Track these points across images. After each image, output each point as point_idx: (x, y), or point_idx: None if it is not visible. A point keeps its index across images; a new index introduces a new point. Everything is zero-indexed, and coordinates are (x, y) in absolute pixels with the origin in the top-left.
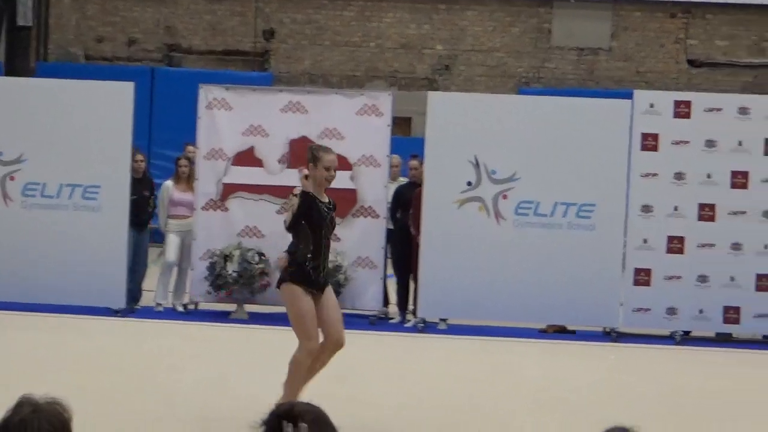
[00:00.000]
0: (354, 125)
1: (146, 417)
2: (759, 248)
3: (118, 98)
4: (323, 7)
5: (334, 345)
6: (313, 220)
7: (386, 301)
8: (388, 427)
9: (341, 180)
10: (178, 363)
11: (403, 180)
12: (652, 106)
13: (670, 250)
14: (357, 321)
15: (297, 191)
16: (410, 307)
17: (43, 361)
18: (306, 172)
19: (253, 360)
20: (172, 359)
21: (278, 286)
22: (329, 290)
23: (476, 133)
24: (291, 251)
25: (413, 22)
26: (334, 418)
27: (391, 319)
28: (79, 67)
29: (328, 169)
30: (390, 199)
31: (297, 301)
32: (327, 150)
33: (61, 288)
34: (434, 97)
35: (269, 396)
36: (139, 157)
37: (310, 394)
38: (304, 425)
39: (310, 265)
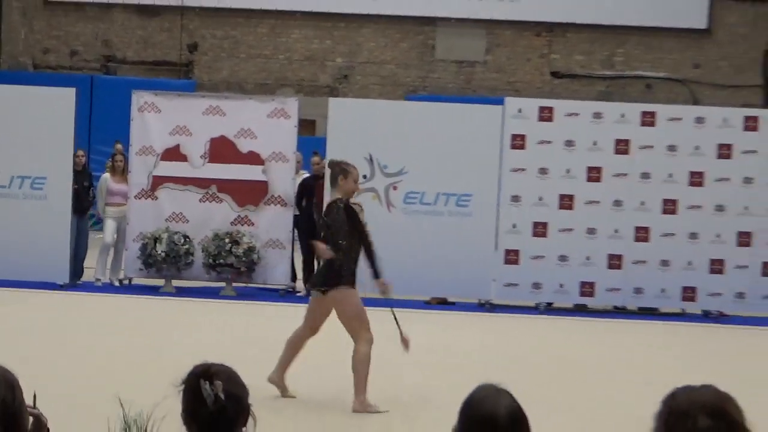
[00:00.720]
0: (265, 126)
1: (86, 377)
2: (610, 232)
3: (61, 102)
4: (239, 25)
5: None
6: (359, 231)
7: (294, 277)
8: (293, 382)
9: (254, 173)
10: (114, 330)
11: (304, 173)
12: (520, 111)
13: (535, 234)
14: (269, 294)
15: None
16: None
17: None
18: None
19: (179, 327)
20: (109, 327)
21: (327, 290)
22: None
23: (370, 133)
24: (337, 256)
25: (316, 37)
26: (245, 377)
27: (298, 292)
28: (27, 75)
29: (356, 181)
30: (296, 189)
31: (356, 301)
32: (352, 165)
33: (12, 266)
34: (334, 103)
35: (193, 358)
36: (80, 152)
37: (225, 355)
38: (218, 383)
39: (354, 267)
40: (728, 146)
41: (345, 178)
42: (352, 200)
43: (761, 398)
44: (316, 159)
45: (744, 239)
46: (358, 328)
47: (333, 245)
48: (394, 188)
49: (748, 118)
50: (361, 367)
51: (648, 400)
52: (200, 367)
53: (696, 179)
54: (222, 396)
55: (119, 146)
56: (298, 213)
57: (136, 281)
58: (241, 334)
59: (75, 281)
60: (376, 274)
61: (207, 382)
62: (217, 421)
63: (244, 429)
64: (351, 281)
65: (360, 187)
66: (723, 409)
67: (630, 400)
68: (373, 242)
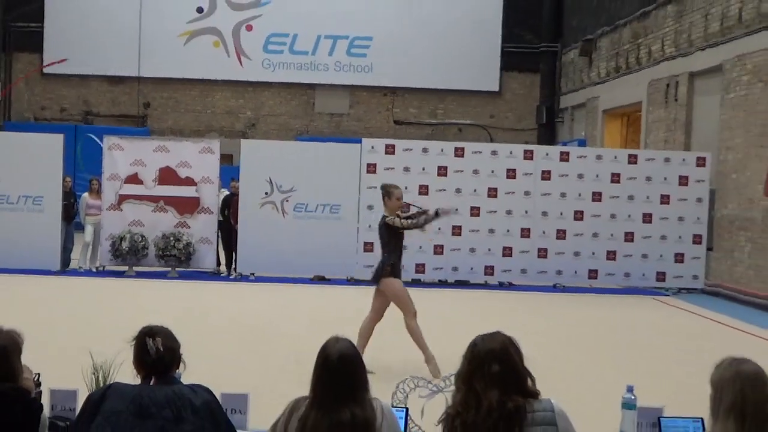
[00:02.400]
0: (198, 159)
1: (69, 335)
2: (436, 230)
3: (54, 144)
4: (179, 89)
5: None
6: (399, 236)
7: (218, 263)
8: (222, 337)
9: (190, 191)
10: (91, 302)
11: (224, 191)
12: (372, 147)
13: None
14: (202, 275)
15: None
16: (233, 266)
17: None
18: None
19: (138, 299)
20: (88, 300)
21: (379, 280)
22: None
23: (270, 163)
24: (387, 256)
25: (233, 98)
26: (182, 336)
27: (222, 273)
28: (30, 125)
29: (399, 199)
30: (220, 203)
31: (401, 288)
32: (396, 186)
33: (18, 258)
34: (245, 143)
35: (146, 321)
36: (67, 178)
37: (170, 317)
38: (158, 339)
39: (399, 263)
40: (513, 170)
41: (389, 198)
42: (400, 213)
43: (531, 339)
44: (234, 183)
45: (525, 233)
46: (403, 306)
47: (382, 248)
48: (287, 201)
49: (526, 151)
50: (415, 333)
51: (454, 344)
52: (146, 327)
53: (492, 193)
54: (161, 348)
55: (95, 181)
56: (221, 219)
57: (108, 268)
58: (182, 303)
59: (64, 268)
60: (436, 213)
61: (150, 338)
62: (158, 366)
63: (177, 371)
64: (393, 273)
65: (403, 203)
66: (507, 353)
67: (442, 345)
68: (415, 224)
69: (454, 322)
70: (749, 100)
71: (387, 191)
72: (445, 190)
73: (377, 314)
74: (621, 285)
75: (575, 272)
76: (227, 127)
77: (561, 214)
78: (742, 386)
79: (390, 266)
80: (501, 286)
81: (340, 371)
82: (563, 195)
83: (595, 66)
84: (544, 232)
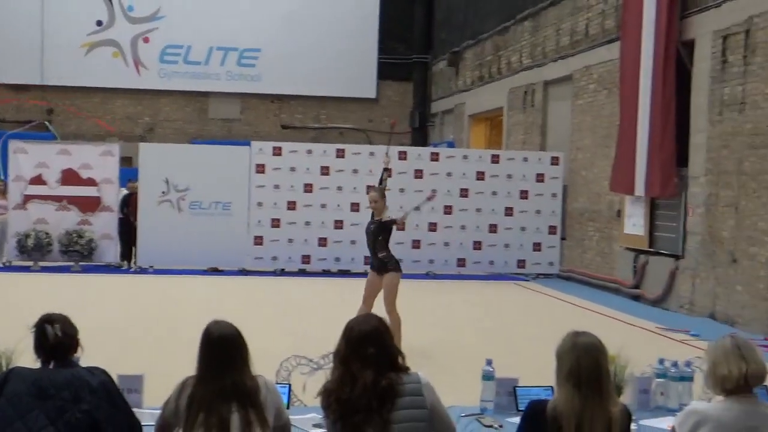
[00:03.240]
0: (98, 162)
1: None
2: (319, 224)
3: None
4: (81, 97)
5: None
6: (390, 232)
7: (121, 257)
8: (120, 324)
9: (92, 191)
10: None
11: (123, 191)
12: (261, 149)
13: (273, 226)
14: (104, 268)
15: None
16: (133, 260)
17: None
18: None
19: (42, 291)
20: None
21: (387, 271)
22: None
23: (167, 165)
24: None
25: (131, 105)
26: (82, 324)
27: (123, 266)
28: None
29: (370, 201)
30: (120, 201)
31: (396, 282)
32: (370, 188)
33: None
34: (143, 146)
35: (49, 309)
36: None
37: (73, 305)
38: (57, 325)
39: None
40: (389, 171)
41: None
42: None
43: (406, 321)
44: (131, 183)
45: (401, 227)
46: (391, 298)
47: (377, 246)
48: (183, 199)
49: (401, 152)
50: (396, 325)
51: (325, 320)
52: (45, 315)
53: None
54: (59, 334)
55: (1, 180)
56: (121, 217)
57: (15, 263)
58: (84, 294)
59: None
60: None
61: (49, 325)
62: (57, 350)
63: (75, 355)
64: (398, 268)
65: (374, 206)
66: (380, 335)
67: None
68: (405, 217)
69: (331, 306)
70: (595, 105)
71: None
72: (327, 188)
73: (369, 305)
74: (486, 272)
75: (445, 261)
76: (127, 132)
77: (432, 209)
78: (577, 355)
79: (397, 262)
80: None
81: (220, 348)
82: (434, 191)
83: (462, 75)
84: (417, 226)
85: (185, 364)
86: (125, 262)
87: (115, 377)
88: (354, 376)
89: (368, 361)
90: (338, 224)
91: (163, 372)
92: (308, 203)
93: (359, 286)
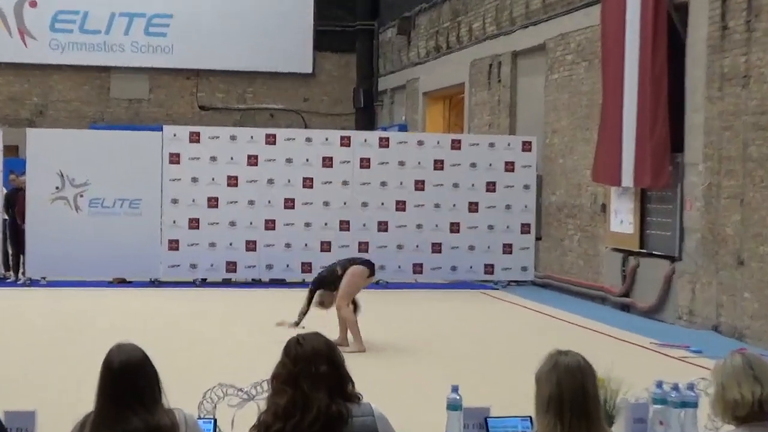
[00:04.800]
0: None
1: None
2: (246, 224)
3: None
4: None
5: None
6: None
7: (6, 268)
8: (6, 349)
9: None
10: None
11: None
12: (175, 135)
13: (190, 227)
14: None
15: None
16: (21, 270)
17: None
18: None
19: None
20: None
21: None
22: None
23: (61, 155)
24: None
25: (17, 82)
26: None
27: (8, 278)
28: None
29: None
30: (3, 200)
31: (360, 281)
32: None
33: None
34: (32, 132)
35: None
36: None
37: None
38: None
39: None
40: (330, 158)
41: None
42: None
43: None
44: (12, 176)
45: (344, 226)
46: (347, 292)
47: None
48: (81, 196)
49: (343, 137)
50: (350, 320)
51: (256, 343)
52: None
53: (307, 183)
54: None
55: None
56: (5, 218)
57: None
58: None
59: None
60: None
61: None
62: None
63: None
64: (368, 265)
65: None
66: (333, 353)
67: (248, 351)
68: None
69: (262, 325)
70: (573, 80)
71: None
72: (256, 180)
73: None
74: (448, 279)
75: (399, 267)
76: (11, 115)
77: (382, 204)
78: (558, 378)
79: (363, 259)
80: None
81: (123, 379)
82: (384, 184)
83: (414, 46)
84: (364, 225)
85: (85, 397)
86: (11, 273)
87: (0, 414)
88: (307, 397)
89: (320, 380)
90: (269, 224)
91: (59, 407)
92: (233, 199)
93: (295, 297)
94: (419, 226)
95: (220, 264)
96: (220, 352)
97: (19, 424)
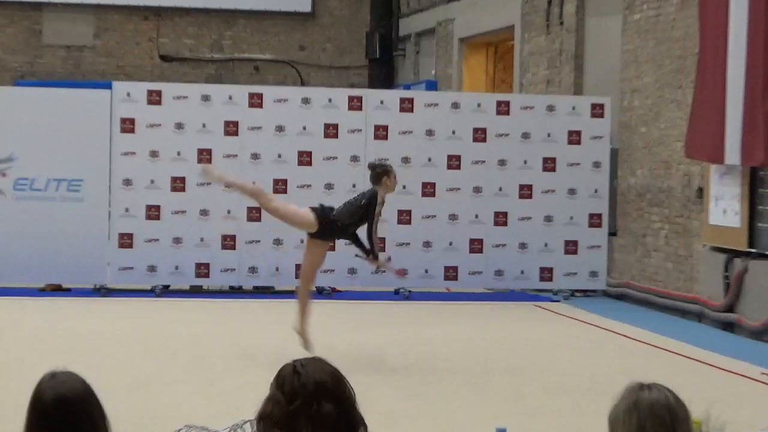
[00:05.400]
0: None
1: None
2: (223, 213)
3: None
4: None
5: None
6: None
7: None
8: None
9: None
10: None
11: None
12: (129, 95)
13: (149, 217)
14: None
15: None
16: None
17: None
18: None
19: None
20: None
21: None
22: None
23: None
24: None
25: None
26: None
27: None
28: None
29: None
30: None
31: (317, 251)
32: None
33: None
34: None
35: None
36: None
37: None
38: None
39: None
40: (335, 126)
41: (389, 177)
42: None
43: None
44: None
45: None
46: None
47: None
48: (4, 175)
49: (351, 98)
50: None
51: (238, 374)
52: None
53: (305, 160)
54: None
55: None
56: None
57: None
58: None
59: None
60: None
61: None
62: None
63: None
64: (324, 213)
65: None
66: (341, 388)
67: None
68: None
69: (245, 349)
70: (661, 22)
71: (387, 170)
72: (236, 155)
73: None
74: (491, 288)
75: (425, 271)
76: None
77: (404, 187)
78: (640, 420)
79: (331, 214)
80: (321, 294)
81: (58, 418)
82: (406, 160)
83: None
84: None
85: None
86: None
87: None
88: None
89: (324, 424)
90: (254, 214)
91: None
92: (205, 181)
93: (287, 311)
94: (453, 217)
95: (187, 266)
96: (188, 387)
97: None
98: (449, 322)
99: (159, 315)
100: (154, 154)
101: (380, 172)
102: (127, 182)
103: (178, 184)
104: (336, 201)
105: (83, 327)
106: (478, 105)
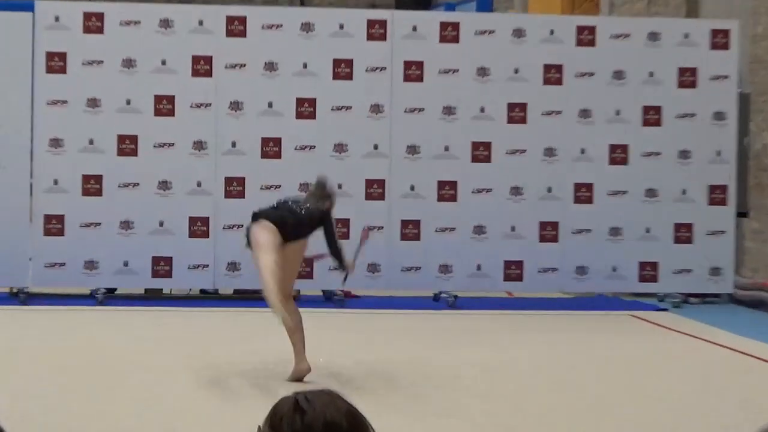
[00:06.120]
0: None
1: None
2: (192, 186)
3: None
4: None
5: None
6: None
7: None
8: None
9: None
10: None
11: None
12: (57, 19)
13: (86, 192)
14: None
15: None
16: None
17: None
18: None
19: None
20: None
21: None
22: None
23: None
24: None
25: None
26: None
27: None
28: None
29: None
30: None
31: (263, 233)
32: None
33: None
34: None
35: None
36: None
37: None
38: None
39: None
40: (348, 63)
41: (331, 205)
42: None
43: None
44: None
45: (375, 191)
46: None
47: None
48: None
49: (372, 23)
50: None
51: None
52: None
53: (306, 111)
54: None
55: None
56: None
57: None
58: None
59: None
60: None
61: None
62: None
63: None
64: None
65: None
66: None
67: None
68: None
69: (221, 378)
70: None
71: (332, 199)
72: (208, 105)
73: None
74: (570, 291)
75: (477, 268)
76: None
77: (446, 149)
78: None
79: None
80: (329, 300)
81: None
82: (449, 111)
83: None
84: (412, 189)
85: None
86: None
87: None
88: None
89: None
90: (233, 187)
91: None
92: (165, 140)
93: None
94: (516, 192)
95: (141, 262)
96: (138, 417)
97: None
98: (511, 341)
99: (100, 331)
100: (93, 103)
101: (327, 195)
102: (56, 143)
103: (128, 145)
104: (350, 170)
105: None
106: (551, 32)
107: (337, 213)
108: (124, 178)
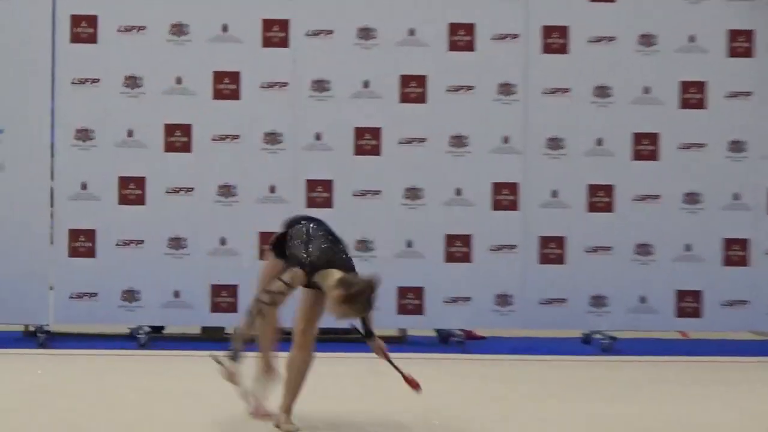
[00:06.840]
0: None
1: None
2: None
3: None
4: None
5: None
6: None
7: None
8: None
9: None
10: None
11: None
12: None
13: (124, 200)
14: None
15: None
16: None
17: None
18: None
19: None
20: None
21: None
22: None
23: None
24: None
25: None
26: None
27: None
28: None
29: None
30: None
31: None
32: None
33: None
34: None
35: None
36: None
37: None
38: None
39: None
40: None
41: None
42: None
43: None
44: None
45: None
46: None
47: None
48: None
49: None
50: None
51: None
52: None
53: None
54: None
55: None
56: None
57: None
58: None
59: None
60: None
61: None
62: None
63: None
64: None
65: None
66: None
67: None
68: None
69: None
70: None
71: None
72: (286, 84)
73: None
74: (762, 332)
75: (642, 300)
76: None
77: (599, 142)
78: None
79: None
80: (445, 343)
81: None
82: (603, 93)
83: None
84: (555, 195)
85: None
86: None
87: None
88: None
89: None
90: (318, 193)
91: None
92: (228, 132)
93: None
94: (691, 198)
95: (199, 291)
96: None
97: None
98: (686, 396)
99: (143, 384)
100: (132, 82)
101: (370, 307)
102: (84, 135)
103: (178, 138)
104: (469, 167)
105: (10, 406)
106: None
107: (453, 227)
108: (173, 181)
